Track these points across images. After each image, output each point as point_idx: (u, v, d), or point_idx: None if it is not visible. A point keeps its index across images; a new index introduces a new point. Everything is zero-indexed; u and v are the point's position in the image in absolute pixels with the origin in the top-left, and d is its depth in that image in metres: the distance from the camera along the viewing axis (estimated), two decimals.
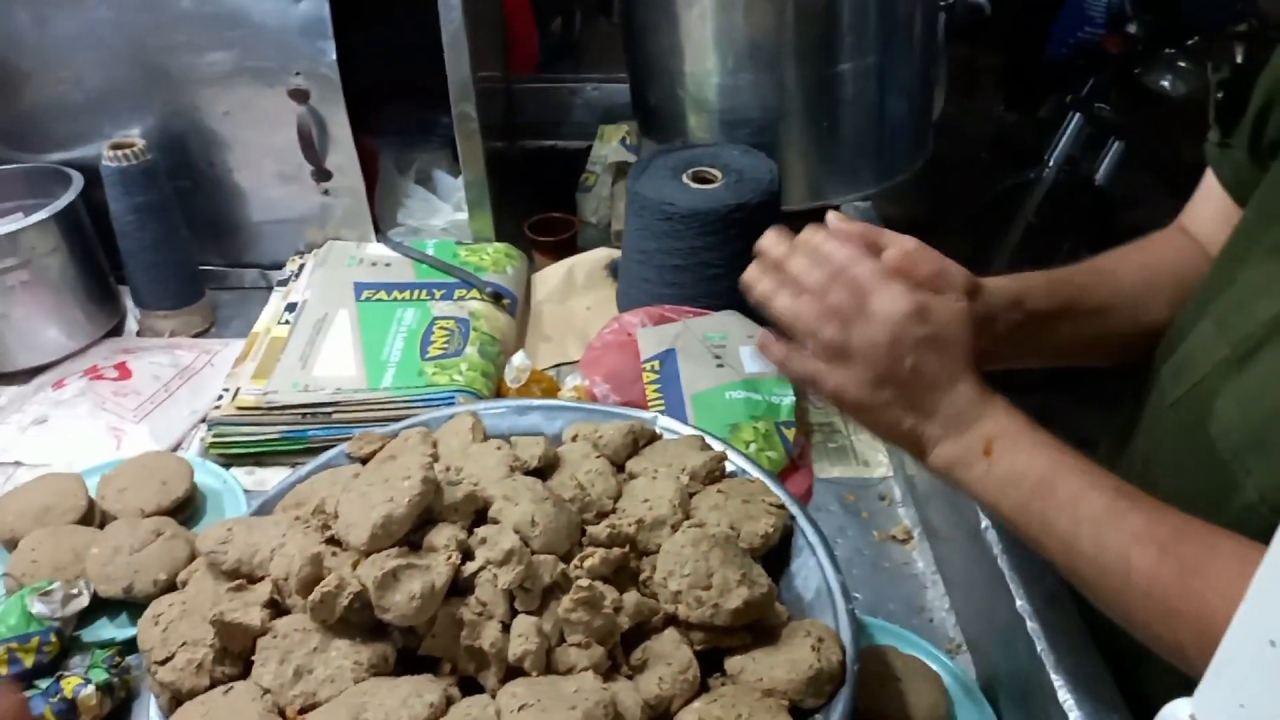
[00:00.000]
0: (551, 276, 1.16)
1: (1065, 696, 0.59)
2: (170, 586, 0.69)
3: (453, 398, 0.91)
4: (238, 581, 0.58)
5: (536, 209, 1.24)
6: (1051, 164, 2.27)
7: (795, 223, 1.12)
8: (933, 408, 0.58)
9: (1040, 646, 0.62)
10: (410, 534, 0.56)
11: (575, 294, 1.15)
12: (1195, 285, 0.68)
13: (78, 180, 1.07)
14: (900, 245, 0.61)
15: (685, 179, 1.02)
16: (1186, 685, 0.33)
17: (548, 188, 1.30)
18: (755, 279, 0.64)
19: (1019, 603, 0.65)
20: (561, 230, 1.22)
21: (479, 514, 0.60)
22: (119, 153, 1.03)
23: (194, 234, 1.12)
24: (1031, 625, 0.63)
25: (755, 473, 0.69)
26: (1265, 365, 0.58)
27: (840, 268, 0.59)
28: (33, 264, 1.01)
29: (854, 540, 0.85)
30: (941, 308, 0.58)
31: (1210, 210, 0.73)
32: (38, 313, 1.03)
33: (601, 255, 1.18)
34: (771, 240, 0.64)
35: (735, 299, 0.64)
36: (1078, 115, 2.25)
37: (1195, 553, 0.49)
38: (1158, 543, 0.49)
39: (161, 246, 1.07)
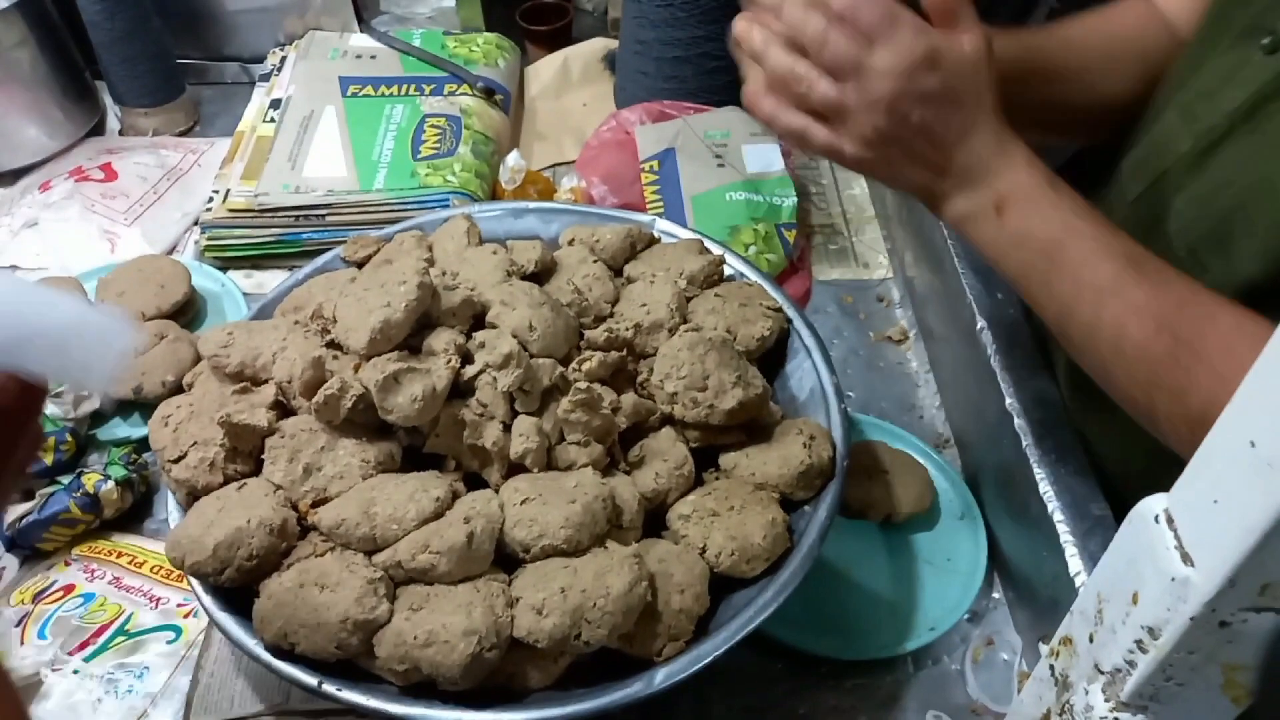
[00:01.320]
0: (545, 70, 1.11)
1: (1046, 489, 0.61)
2: (177, 388, 0.70)
3: (447, 200, 0.89)
4: (242, 384, 0.59)
5: None
6: None
7: None
8: (943, 163, 0.54)
9: (1025, 442, 0.64)
10: (409, 338, 0.56)
11: (571, 89, 1.10)
12: (1158, 62, 0.64)
13: None
14: None
15: None
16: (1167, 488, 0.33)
17: None
18: (745, 31, 0.55)
19: (1008, 400, 0.66)
20: (555, 18, 1.15)
21: (477, 318, 0.60)
22: None
23: (168, 25, 1.06)
24: (1019, 422, 0.65)
25: (753, 276, 0.68)
26: (1226, 160, 0.55)
27: (841, 11, 0.51)
28: (1, 58, 0.97)
29: (850, 341, 0.86)
30: (953, 53, 0.52)
31: None
32: (14, 110, 0.99)
33: (598, 46, 1.12)
34: None
35: (738, 94, 0.60)
36: None
37: (1192, 326, 0.48)
38: (1156, 317, 0.49)
39: (134, 38, 1.02)
